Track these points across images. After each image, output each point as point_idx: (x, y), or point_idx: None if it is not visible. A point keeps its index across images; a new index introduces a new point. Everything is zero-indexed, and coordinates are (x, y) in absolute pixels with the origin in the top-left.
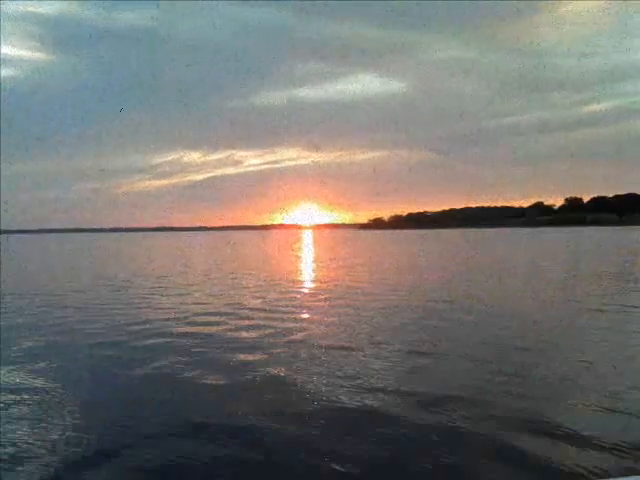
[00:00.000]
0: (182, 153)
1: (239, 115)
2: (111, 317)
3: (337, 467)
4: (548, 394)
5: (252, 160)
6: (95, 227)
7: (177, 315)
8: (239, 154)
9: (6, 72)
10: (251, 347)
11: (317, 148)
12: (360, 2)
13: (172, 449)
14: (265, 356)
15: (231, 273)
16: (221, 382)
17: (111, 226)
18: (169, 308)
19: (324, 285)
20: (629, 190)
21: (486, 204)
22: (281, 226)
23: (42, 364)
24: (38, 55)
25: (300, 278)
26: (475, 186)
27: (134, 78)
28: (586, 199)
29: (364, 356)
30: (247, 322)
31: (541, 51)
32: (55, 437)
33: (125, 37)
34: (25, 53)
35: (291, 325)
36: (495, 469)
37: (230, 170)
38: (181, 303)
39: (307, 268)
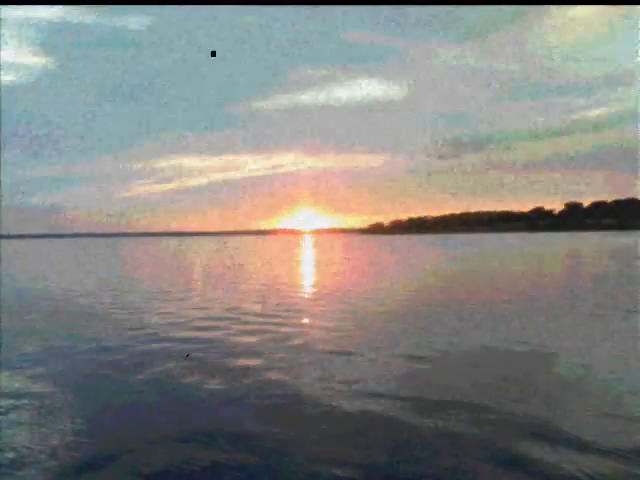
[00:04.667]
0: (182, 158)
1: (239, 120)
2: (112, 322)
3: (337, 472)
4: (548, 399)
5: (252, 165)
6: (97, 232)
7: (177, 320)
8: (239, 159)
9: (6, 77)
10: (251, 352)
11: (317, 153)
12: (360, 8)
13: (172, 454)
14: (265, 361)
15: (231, 278)
16: (221, 387)
17: (112, 231)
18: (169, 313)
19: (324, 290)
20: (629, 195)
21: (486, 209)
22: (280, 231)
23: (42, 368)
24: (38, 60)
25: (300, 283)
26: (475, 191)
27: (134, 83)
28: (586, 204)
29: (364, 361)
30: (247, 327)
31: (542, 56)
32: (55, 442)
33: (125, 42)
34: (25, 59)
35: (291, 330)
36: (495, 475)
37: (230, 175)
38: (182, 308)
39: (306, 273)
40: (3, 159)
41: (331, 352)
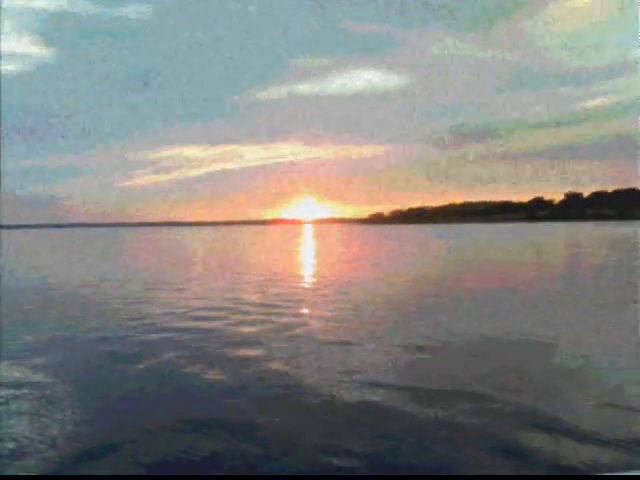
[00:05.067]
0: (182, 148)
1: (239, 109)
2: (112, 312)
3: (337, 461)
4: (547, 388)
5: (252, 155)
6: (96, 222)
7: (177, 310)
8: (239, 149)
9: (6, 67)
10: (251, 342)
11: (317, 143)
12: None
13: (172, 443)
14: (265, 351)
15: (231, 268)
16: (221, 377)
17: (111, 221)
18: (169, 303)
19: (324, 280)
20: (629, 185)
21: (486, 199)
22: (281, 221)
23: (42, 359)
24: (38, 50)
25: (300, 273)
26: (475, 181)
27: (134, 73)
28: (586, 194)
29: (364, 351)
30: (247, 317)
31: (542, 47)
32: (55, 432)
33: (124, 31)
34: (25, 48)
35: (291, 320)
36: (495, 463)
37: (230, 165)
38: (181, 298)
39: (307, 263)
40: (3, 149)
41: (331, 342)
